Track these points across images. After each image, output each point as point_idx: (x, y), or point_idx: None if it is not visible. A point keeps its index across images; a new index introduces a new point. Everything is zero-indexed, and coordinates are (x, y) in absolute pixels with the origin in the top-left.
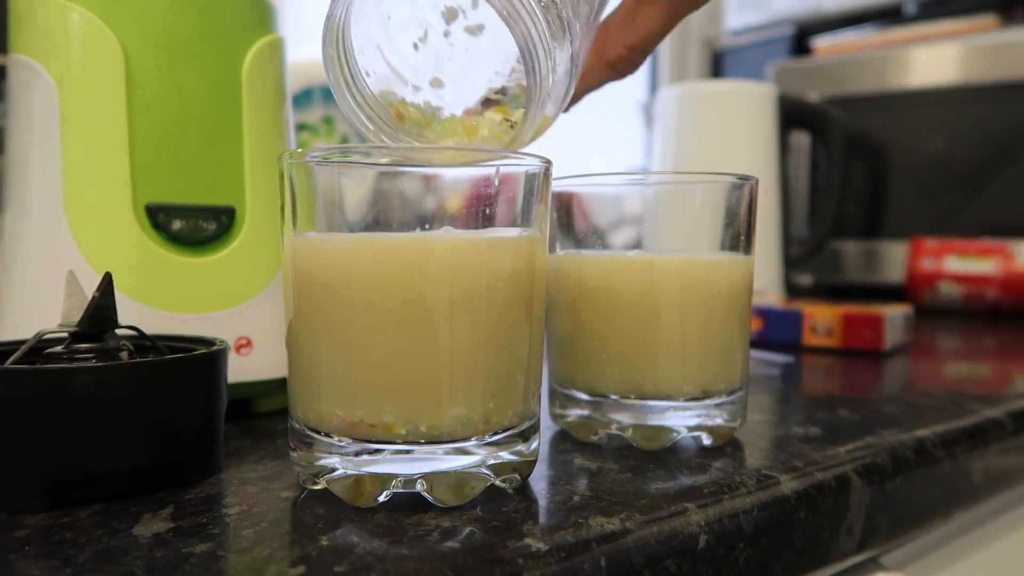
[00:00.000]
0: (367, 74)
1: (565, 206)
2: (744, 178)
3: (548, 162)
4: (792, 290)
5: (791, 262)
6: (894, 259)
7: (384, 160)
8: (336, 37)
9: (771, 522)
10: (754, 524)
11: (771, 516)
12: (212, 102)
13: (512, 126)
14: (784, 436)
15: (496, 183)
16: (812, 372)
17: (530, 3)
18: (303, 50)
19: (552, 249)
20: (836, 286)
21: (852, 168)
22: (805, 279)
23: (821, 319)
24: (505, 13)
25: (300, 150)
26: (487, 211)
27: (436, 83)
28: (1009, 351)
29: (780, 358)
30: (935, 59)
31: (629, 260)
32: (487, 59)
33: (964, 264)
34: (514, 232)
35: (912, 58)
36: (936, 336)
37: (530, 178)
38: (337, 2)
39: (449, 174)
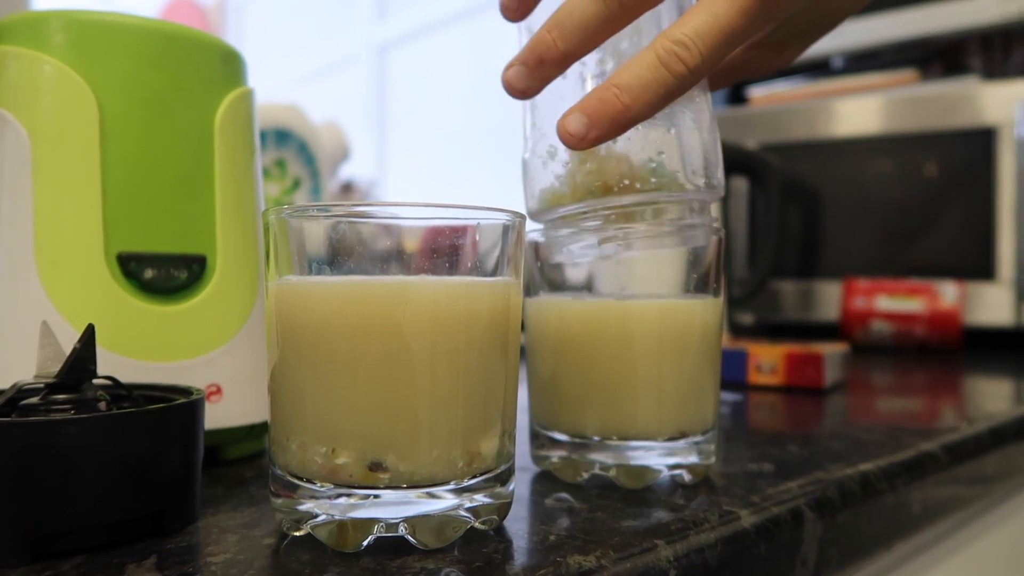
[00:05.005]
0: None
1: (544, 254)
2: (716, 228)
3: (522, 216)
4: (735, 329)
5: (733, 302)
6: (829, 298)
7: (369, 215)
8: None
9: (734, 556)
10: (719, 558)
11: (734, 551)
12: (185, 153)
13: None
14: (740, 473)
15: (476, 235)
16: (759, 409)
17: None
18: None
19: (535, 294)
20: (776, 324)
21: (788, 211)
22: (747, 318)
23: (766, 358)
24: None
25: (285, 206)
26: (464, 261)
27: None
28: (937, 386)
29: (728, 396)
30: (860, 110)
31: (607, 305)
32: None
33: (894, 303)
34: (490, 278)
35: (839, 109)
36: (871, 372)
37: (506, 229)
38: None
39: (428, 225)
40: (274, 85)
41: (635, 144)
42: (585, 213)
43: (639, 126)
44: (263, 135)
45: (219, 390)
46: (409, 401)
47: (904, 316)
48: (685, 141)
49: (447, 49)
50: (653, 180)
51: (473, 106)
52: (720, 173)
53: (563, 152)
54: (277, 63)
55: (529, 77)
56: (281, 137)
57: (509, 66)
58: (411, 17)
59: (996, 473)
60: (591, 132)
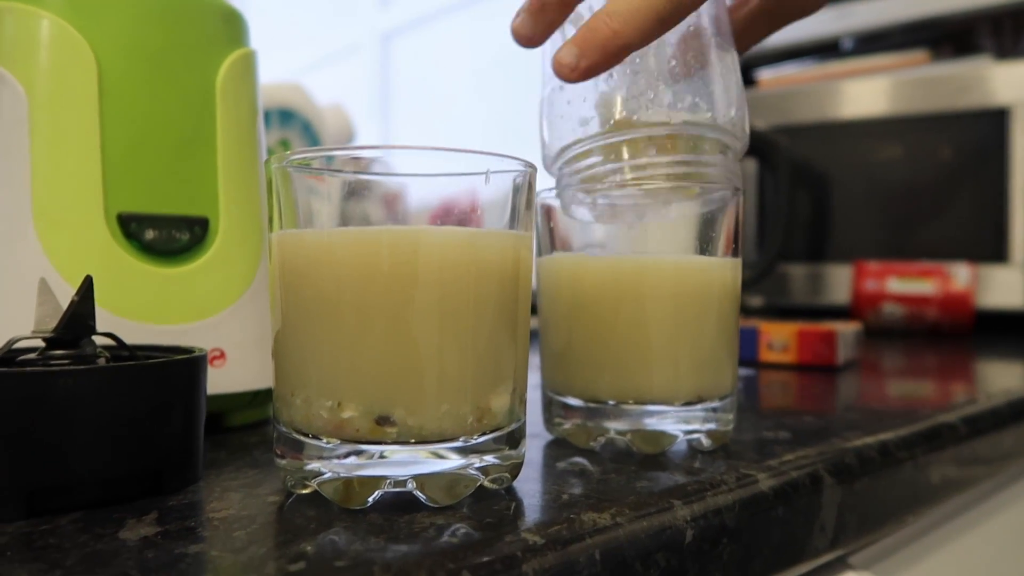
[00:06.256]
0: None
1: (557, 216)
2: (736, 186)
3: (533, 167)
4: (745, 311)
5: (742, 284)
6: (839, 281)
7: (374, 167)
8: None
9: (752, 519)
10: (736, 520)
11: (752, 513)
12: (186, 113)
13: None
14: (756, 440)
15: (484, 188)
16: (771, 385)
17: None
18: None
19: (546, 254)
20: (785, 308)
21: (796, 194)
22: (756, 301)
23: (777, 336)
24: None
25: (288, 153)
26: (475, 211)
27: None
28: (951, 367)
29: (740, 373)
30: (870, 91)
31: (622, 262)
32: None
33: (905, 285)
34: (501, 230)
35: (848, 90)
36: (882, 353)
37: (517, 184)
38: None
39: (437, 178)
40: (278, 74)
41: (667, 108)
42: (608, 143)
43: (666, 84)
44: (267, 115)
45: (222, 355)
46: (417, 352)
47: (916, 298)
48: (715, 88)
49: (451, 37)
50: (681, 119)
51: (477, 95)
52: (746, 121)
53: (596, 126)
54: (280, 52)
55: (533, 23)
56: (285, 117)
57: (516, 15)
58: (414, 5)
59: (1015, 448)
60: (582, 61)
